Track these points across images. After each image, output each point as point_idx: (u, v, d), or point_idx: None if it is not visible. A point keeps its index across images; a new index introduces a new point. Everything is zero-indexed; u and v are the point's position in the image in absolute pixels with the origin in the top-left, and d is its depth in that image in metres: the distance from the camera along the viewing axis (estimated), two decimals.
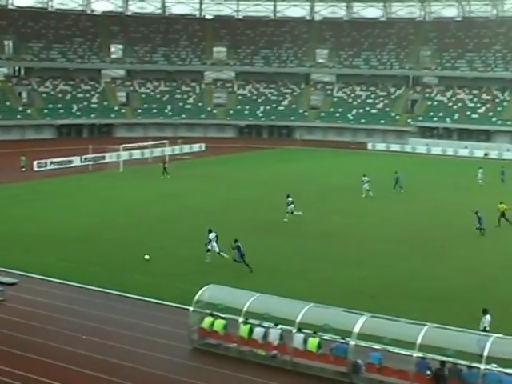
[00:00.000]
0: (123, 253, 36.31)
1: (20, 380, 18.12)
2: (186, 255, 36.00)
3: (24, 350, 23.58)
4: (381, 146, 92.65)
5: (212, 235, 34.73)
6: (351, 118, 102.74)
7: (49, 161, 69.24)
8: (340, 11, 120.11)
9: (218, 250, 34.50)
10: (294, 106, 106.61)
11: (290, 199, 44.66)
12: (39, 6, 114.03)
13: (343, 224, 43.64)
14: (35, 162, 67.41)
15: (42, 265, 33.64)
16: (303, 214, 44.51)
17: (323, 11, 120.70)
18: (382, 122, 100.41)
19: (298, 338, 22.37)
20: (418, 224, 44.30)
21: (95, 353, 23.34)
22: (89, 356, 23.11)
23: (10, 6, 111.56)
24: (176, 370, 22.34)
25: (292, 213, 44.50)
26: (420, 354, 20.66)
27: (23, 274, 32.28)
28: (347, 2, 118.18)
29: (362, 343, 21.72)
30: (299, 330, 22.45)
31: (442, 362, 20.39)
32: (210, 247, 34.72)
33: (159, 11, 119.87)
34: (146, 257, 34.47)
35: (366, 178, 53.85)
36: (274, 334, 23.04)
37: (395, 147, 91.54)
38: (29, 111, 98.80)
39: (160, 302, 28.46)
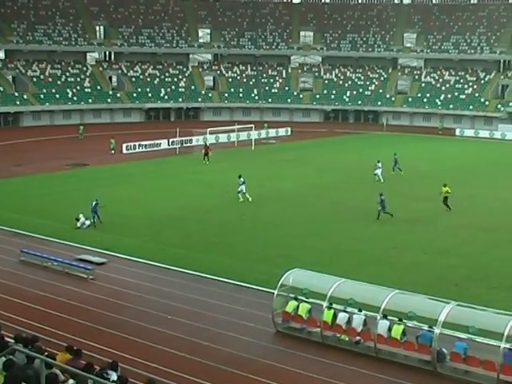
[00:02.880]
0: (208, 235, 36.77)
1: (106, 356, 18.61)
2: (269, 239, 36.21)
3: (111, 327, 24.28)
4: (469, 133, 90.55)
5: None
6: (439, 103, 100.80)
7: (137, 143, 70.40)
8: None
9: None
10: (380, 90, 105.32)
11: (241, 179, 45.65)
12: None
13: (429, 210, 43.04)
14: (124, 145, 68.66)
15: (129, 245, 34.48)
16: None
17: None
18: (470, 107, 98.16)
19: (382, 325, 22.26)
20: (507, 212, 43.32)
21: (180, 333, 23.82)
22: (173, 336, 23.61)
23: None
24: (259, 352, 22.57)
25: (244, 193, 45.53)
26: (508, 346, 20.27)
27: (111, 253, 33.16)
28: None
29: (447, 332, 21.48)
30: (384, 317, 22.35)
31: None
32: None
33: None
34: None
35: (379, 164, 53.70)
36: (358, 320, 23.01)
37: (484, 133, 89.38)
38: (118, 95, 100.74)
39: (244, 284, 28.77)
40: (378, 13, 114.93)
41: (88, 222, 38.29)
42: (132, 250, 33.63)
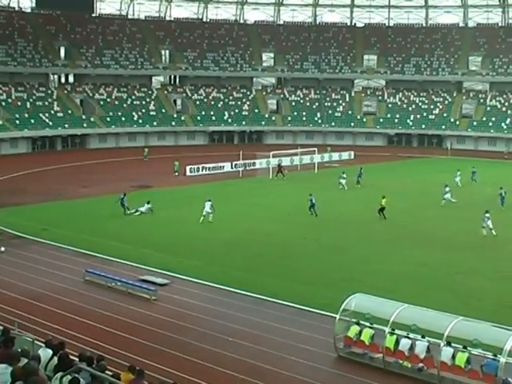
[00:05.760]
0: (270, 258, 36.78)
1: (168, 377, 18.77)
2: (332, 262, 36.04)
3: (172, 348, 24.42)
4: None
5: None
6: (505, 127, 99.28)
7: (201, 166, 71.04)
8: (495, 17, 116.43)
9: None
10: (445, 114, 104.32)
11: (210, 202, 45.96)
12: (194, 16, 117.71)
13: (494, 236, 42.25)
14: (188, 167, 69.38)
15: (192, 267, 34.66)
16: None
17: (477, 17, 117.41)
18: None
19: (446, 352, 21.84)
20: None
21: (241, 355, 23.81)
22: (234, 358, 23.60)
23: (167, 18, 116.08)
24: (320, 376, 22.42)
25: (209, 214, 45.83)
26: None
27: (174, 275, 33.42)
28: (503, 7, 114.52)
29: None
30: (447, 344, 21.96)
31: None
32: None
33: (310, 20, 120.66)
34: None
35: (447, 188, 53.19)
36: (421, 347, 22.65)
37: None
38: (182, 118, 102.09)
39: (306, 308, 28.64)
40: (443, 36, 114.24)
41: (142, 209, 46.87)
42: (194, 271, 33.82)
